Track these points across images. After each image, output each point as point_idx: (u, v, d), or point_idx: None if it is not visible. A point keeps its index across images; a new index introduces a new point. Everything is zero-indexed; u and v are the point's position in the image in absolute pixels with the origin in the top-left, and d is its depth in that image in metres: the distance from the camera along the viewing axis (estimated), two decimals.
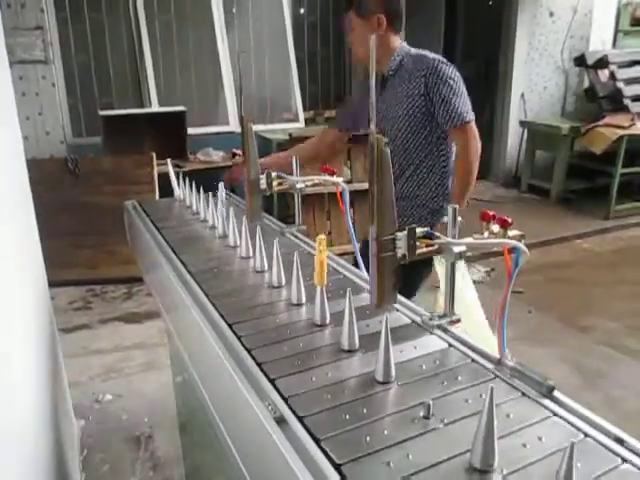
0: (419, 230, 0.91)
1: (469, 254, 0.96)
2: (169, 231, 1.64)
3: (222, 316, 1.08)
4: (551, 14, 6.59)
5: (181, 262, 1.38)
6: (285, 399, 0.81)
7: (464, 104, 1.96)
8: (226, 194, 2.22)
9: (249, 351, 0.94)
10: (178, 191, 2.01)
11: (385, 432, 0.73)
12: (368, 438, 0.71)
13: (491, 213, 0.95)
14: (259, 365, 0.90)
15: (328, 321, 1.03)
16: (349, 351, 0.94)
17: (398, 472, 0.65)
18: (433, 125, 2.01)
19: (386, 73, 2.08)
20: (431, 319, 1.01)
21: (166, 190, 3.95)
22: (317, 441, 0.71)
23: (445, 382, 0.84)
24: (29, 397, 1.33)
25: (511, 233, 0.93)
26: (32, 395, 1.38)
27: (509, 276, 0.89)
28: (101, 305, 3.94)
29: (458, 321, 1.01)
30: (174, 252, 1.46)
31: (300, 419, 0.76)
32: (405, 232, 0.88)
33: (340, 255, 1.44)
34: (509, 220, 0.94)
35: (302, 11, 5.93)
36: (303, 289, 1.12)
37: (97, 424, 2.62)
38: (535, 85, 6.77)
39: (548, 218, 5.63)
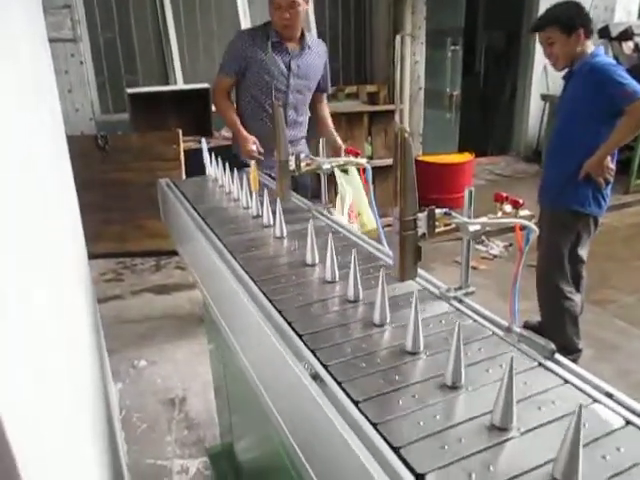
0: (438, 211, 1.01)
1: (488, 229, 1.06)
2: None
3: (257, 284, 1.20)
4: None
5: (218, 238, 1.50)
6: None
7: None
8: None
9: (280, 312, 1.07)
10: (210, 169, 2.11)
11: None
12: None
13: (504, 195, 1.05)
14: (290, 324, 1.02)
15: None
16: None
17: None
18: None
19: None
20: (448, 291, 1.12)
21: (192, 166, 4.07)
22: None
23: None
24: (91, 358, 1.48)
25: (522, 213, 1.04)
26: (91, 356, 1.53)
27: (520, 253, 0.99)
28: (131, 277, 4.12)
29: (472, 293, 1.12)
30: (210, 228, 1.58)
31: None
32: (426, 213, 0.99)
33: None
34: (520, 201, 1.04)
35: None
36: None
37: (133, 387, 2.80)
38: None
39: None
